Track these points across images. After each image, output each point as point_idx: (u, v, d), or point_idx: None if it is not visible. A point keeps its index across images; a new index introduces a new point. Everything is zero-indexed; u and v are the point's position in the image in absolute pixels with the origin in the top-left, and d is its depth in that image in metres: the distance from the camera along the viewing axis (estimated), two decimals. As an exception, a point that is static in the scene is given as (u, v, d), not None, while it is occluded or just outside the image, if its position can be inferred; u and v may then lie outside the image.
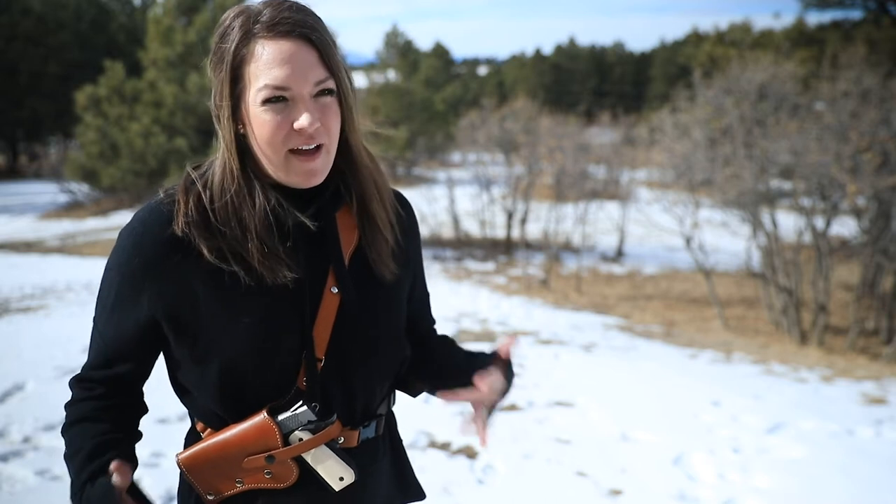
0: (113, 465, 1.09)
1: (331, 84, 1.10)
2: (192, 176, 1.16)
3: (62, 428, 1.19)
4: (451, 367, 1.32)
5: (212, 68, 1.13)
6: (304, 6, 1.12)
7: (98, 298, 1.19)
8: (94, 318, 1.20)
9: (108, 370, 1.17)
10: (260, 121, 1.08)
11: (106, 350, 1.17)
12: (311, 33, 1.09)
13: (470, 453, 3.94)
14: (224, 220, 1.12)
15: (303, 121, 1.07)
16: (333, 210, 1.19)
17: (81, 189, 18.85)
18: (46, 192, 20.25)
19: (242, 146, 1.14)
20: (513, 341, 1.29)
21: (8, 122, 28.30)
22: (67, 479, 3.50)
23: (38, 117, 28.05)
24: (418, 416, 4.34)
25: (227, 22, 1.11)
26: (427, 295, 1.42)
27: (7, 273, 9.96)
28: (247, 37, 1.08)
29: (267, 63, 1.07)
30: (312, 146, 1.10)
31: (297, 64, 1.07)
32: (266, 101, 1.07)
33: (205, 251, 1.10)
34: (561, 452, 4.00)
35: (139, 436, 1.21)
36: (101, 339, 1.18)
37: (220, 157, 1.15)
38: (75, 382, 1.20)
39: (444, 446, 4.00)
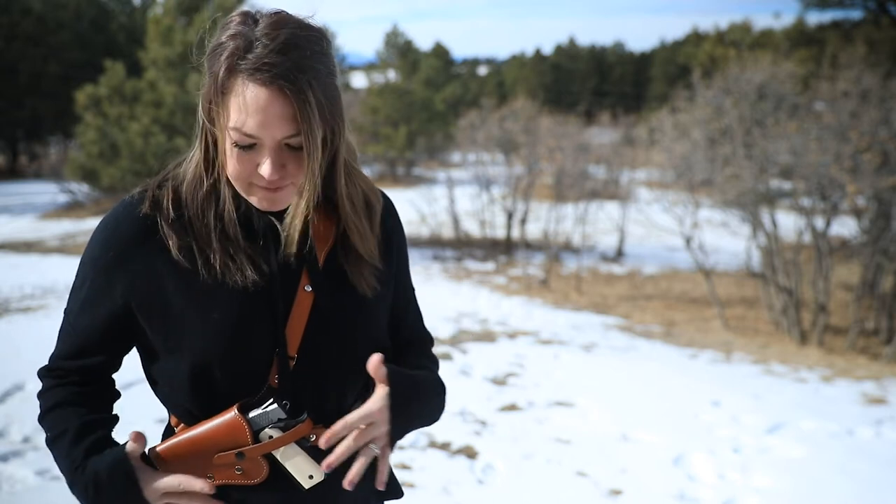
0: (132, 435, 1.13)
1: (298, 141, 1.08)
2: (162, 176, 1.19)
3: (39, 415, 1.20)
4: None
5: (207, 67, 1.11)
6: (300, 42, 1.06)
7: (72, 290, 1.21)
8: (67, 311, 1.22)
9: (80, 361, 1.20)
10: (228, 155, 1.10)
11: (78, 341, 1.19)
12: (288, 86, 1.04)
13: (470, 453, 3.94)
14: (194, 217, 1.15)
15: (264, 170, 1.08)
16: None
17: (81, 189, 18.80)
18: (46, 192, 20.22)
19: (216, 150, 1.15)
20: (376, 364, 1.15)
21: (8, 122, 28.23)
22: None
23: (38, 117, 28.00)
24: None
25: (224, 37, 1.08)
26: (410, 300, 1.39)
27: (7, 273, 9.96)
28: (231, 70, 1.06)
29: (242, 107, 1.06)
30: (273, 188, 1.11)
31: (268, 116, 1.05)
32: (235, 144, 1.08)
33: (174, 248, 1.13)
34: (561, 452, 4.00)
35: (116, 419, 1.23)
36: (73, 330, 1.20)
37: (195, 156, 1.17)
38: (45, 372, 1.22)
39: (444, 446, 4.01)
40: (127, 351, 1.23)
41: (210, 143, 1.14)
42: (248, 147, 1.08)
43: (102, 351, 1.20)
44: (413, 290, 1.41)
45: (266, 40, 1.05)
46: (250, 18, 1.09)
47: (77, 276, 1.21)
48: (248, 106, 1.05)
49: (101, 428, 1.18)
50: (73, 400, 1.19)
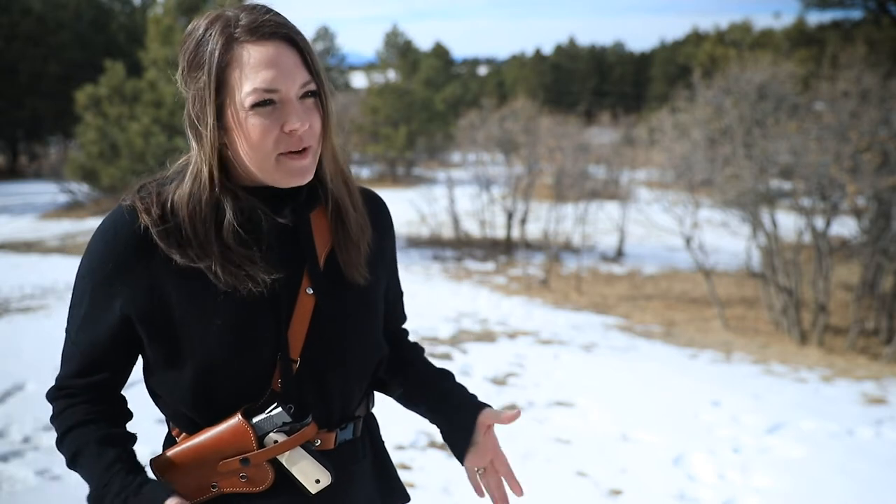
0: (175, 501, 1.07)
1: (313, 87, 1.10)
2: (151, 187, 1.15)
3: (56, 440, 1.16)
4: (424, 387, 1.40)
5: (185, 77, 1.11)
6: (277, 12, 1.12)
7: (71, 308, 1.17)
8: (67, 329, 1.17)
9: (87, 378, 1.15)
10: (248, 125, 1.07)
11: (82, 358, 1.15)
12: (293, 35, 1.10)
13: (470, 453, 3.94)
14: (195, 228, 1.11)
15: (294, 122, 1.07)
16: (309, 210, 1.19)
17: (81, 189, 18.78)
18: (46, 192, 20.19)
19: (220, 154, 1.12)
20: (516, 415, 1.31)
21: (8, 122, 28.19)
22: (68, 479, 3.50)
23: (38, 117, 27.97)
24: (418, 417, 4.33)
25: (202, 29, 1.10)
26: (400, 294, 1.42)
27: (7, 273, 9.95)
28: (229, 42, 1.07)
29: (254, 67, 1.06)
30: (301, 148, 1.10)
31: (283, 66, 1.07)
32: (255, 105, 1.07)
33: (175, 260, 1.10)
34: (561, 452, 4.00)
35: (135, 438, 1.20)
36: (75, 347, 1.16)
37: (193, 166, 1.13)
38: (55, 393, 1.17)
39: (444, 446, 4.00)
40: (132, 364, 1.19)
41: (215, 149, 1.10)
42: (268, 104, 1.07)
43: (107, 366, 1.15)
44: (399, 284, 1.42)
45: (246, 12, 1.09)
46: (219, 12, 1.11)
47: (75, 291, 1.16)
48: (259, 64, 1.06)
49: (122, 443, 1.14)
50: (88, 419, 1.14)
